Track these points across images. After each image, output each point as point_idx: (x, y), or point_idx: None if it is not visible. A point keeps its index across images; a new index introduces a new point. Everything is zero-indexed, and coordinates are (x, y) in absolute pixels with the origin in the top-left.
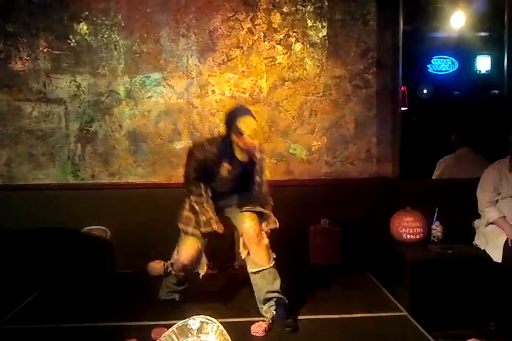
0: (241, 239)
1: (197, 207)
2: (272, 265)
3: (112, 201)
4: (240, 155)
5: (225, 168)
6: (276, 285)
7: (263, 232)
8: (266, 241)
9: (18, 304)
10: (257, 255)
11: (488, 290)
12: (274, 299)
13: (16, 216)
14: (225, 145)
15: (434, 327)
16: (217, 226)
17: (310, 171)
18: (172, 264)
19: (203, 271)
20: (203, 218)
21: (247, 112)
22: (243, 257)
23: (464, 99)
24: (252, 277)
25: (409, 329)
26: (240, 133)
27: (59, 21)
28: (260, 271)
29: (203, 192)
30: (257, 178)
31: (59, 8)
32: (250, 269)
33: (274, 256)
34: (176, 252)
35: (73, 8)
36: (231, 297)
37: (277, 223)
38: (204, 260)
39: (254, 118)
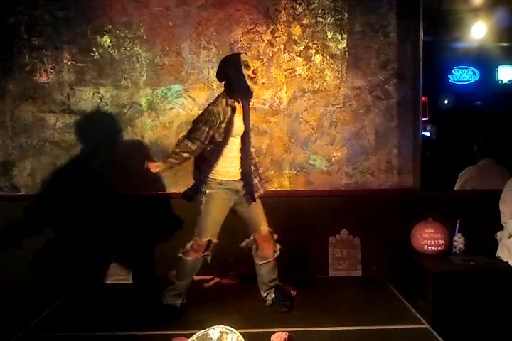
0: (252, 237)
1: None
2: (275, 257)
3: (134, 211)
4: (253, 86)
5: (236, 117)
6: (276, 273)
7: (272, 231)
8: (275, 236)
9: (39, 313)
10: (265, 251)
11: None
12: (274, 285)
13: (40, 225)
14: (230, 88)
15: (456, 340)
16: None
17: (330, 182)
18: (184, 251)
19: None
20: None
21: (243, 52)
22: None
23: (486, 110)
24: (258, 267)
25: None
26: (248, 66)
27: (82, 35)
28: (266, 263)
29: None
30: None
31: (82, 21)
32: (258, 261)
33: (278, 248)
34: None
35: (96, 21)
36: (251, 307)
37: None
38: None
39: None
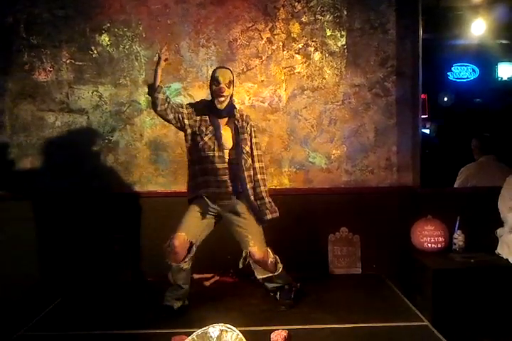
0: (243, 255)
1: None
2: (279, 272)
3: (133, 209)
4: (218, 105)
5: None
6: (285, 281)
7: (267, 250)
8: (271, 257)
9: (39, 312)
10: (263, 267)
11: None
12: (277, 287)
13: (39, 223)
14: (206, 101)
15: (456, 338)
16: None
17: (329, 180)
18: (167, 255)
19: (186, 264)
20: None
21: (225, 67)
22: (240, 266)
23: (486, 107)
24: (262, 281)
25: (430, 339)
26: (217, 82)
27: (81, 33)
28: (268, 277)
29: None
30: (246, 149)
31: (81, 20)
32: (258, 275)
33: (281, 265)
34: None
35: (95, 20)
36: (251, 305)
37: (277, 212)
38: (193, 251)
39: (231, 71)
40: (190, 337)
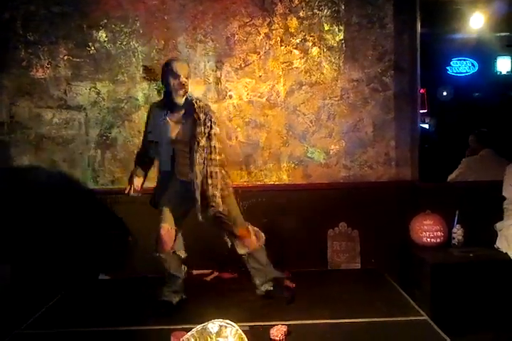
0: (225, 237)
1: None
2: (260, 247)
3: (132, 205)
4: (177, 98)
5: (170, 123)
6: (265, 261)
7: (248, 226)
8: (251, 229)
9: (37, 309)
10: (245, 243)
11: (511, 294)
12: (272, 278)
13: (37, 221)
14: (165, 95)
15: (454, 332)
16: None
17: (328, 175)
18: (155, 248)
19: (182, 252)
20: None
21: (180, 59)
22: (229, 246)
23: (485, 101)
24: (243, 258)
25: (429, 334)
26: (176, 75)
27: (78, 29)
28: (249, 252)
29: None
30: (202, 141)
31: (78, 16)
32: (240, 252)
33: (264, 237)
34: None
35: (92, 16)
36: (250, 301)
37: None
38: (181, 240)
39: (187, 63)
40: (189, 333)
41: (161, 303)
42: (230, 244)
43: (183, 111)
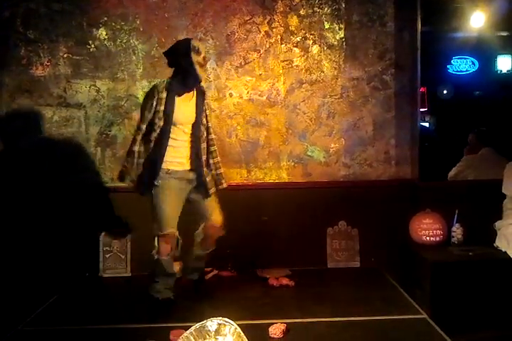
0: (202, 225)
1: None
2: (212, 249)
3: (131, 203)
4: (202, 74)
5: (180, 103)
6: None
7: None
8: (222, 232)
9: (38, 306)
10: (209, 241)
11: (510, 292)
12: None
13: (36, 218)
14: (177, 74)
15: (454, 331)
16: None
17: (328, 173)
18: (157, 251)
19: (177, 251)
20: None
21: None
22: (197, 241)
23: (485, 100)
24: (193, 254)
25: (428, 332)
26: (199, 52)
27: (78, 27)
28: (204, 254)
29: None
30: (204, 121)
31: (78, 14)
32: (197, 251)
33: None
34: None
35: (92, 14)
36: (249, 299)
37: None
38: (179, 241)
39: None
40: (188, 331)
41: (162, 302)
42: (197, 240)
43: (194, 91)
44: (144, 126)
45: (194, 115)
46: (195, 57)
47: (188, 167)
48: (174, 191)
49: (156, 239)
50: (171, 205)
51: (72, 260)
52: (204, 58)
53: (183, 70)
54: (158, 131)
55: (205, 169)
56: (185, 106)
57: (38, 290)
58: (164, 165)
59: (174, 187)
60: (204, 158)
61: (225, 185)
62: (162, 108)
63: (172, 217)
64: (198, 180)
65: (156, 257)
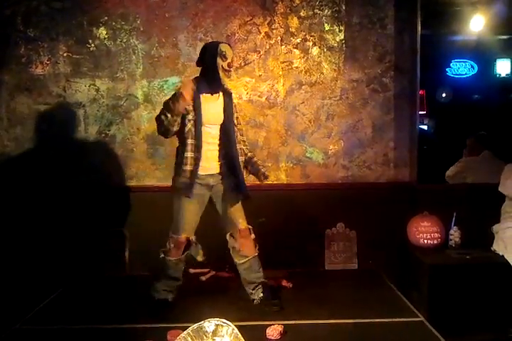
0: (228, 235)
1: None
2: (256, 254)
3: (130, 203)
4: (225, 79)
5: (205, 102)
6: (261, 272)
7: (251, 228)
8: (253, 236)
9: (36, 306)
10: (244, 248)
11: (507, 296)
12: (261, 283)
13: (34, 217)
14: (203, 75)
15: (451, 333)
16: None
17: (326, 175)
18: (166, 252)
19: (199, 255)
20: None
21: (225, 42)
22: (231, 249)
23: (484, 103)
24: (239, 267)
25: (425, 335)
26: (225, 57)
27: (79, 26)
28: (246, 261)
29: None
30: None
31: (79, 13)
32: (237, 260)
33: (257, 246)
34: (172, 231)
35: (93, 13)
36: (247, 300)
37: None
38: (198, 245)
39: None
40: (185, 332)
41: (158, 302)
42: (230, 247)
43: (220, 94)
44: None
45: (221, 117)
46: (220, 62)
47: (213, 171)
48: (196, 197)
49: (168, 240)
50: (190, 211)
51: (75, 259)
52: (229, 64)
53: (208, 72)
54: (187, 124)
55: (243, 170)
56: (211, 106)
57: (36, 289)
58: (189, 168)
59: (196, 193)
60: (242, 159)
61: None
62: (191, 110)
63: (189, 223)
64: (235, 181)
65: (161, 255)
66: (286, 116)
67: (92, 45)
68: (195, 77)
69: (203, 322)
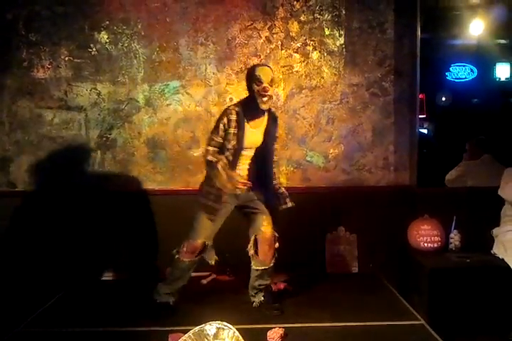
0: (252, 237)
1: (214, 160)
2: (272, 265)
3: (131, 207)
4: (262, 105)
5: (250, 129)
6: (269, 280)
7: (276, 236)
8: (277, 245)
9: (37, 309)
10: (265, 256)
11: (507, 299)
12: (263, 287)
13: (34, 221)
14: (247, 100)
15: (451, 336)
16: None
17: (327, 179)
18: (179, 252)
19: (212, 260)
20: (222, 176)
21: (264, 64)
22: (250, 254)
23: (483, 107)
24: (252, 272)
25: (426, 338)
26: (259, 81)
27: (80, 30)
28: (263, 269)
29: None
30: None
31: (80, 17)
32: (254, 266)
33: (276, 256)
34: (190, 235)
35: (94, 17)
36: (248, 303)
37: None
38: (213, 250)
39: (270, 68)
40: (186, 335)
41: (159, 305)
42: (251, 252)
43: (265, 117)
44: (216, 139)
45: (260, 140)
46: (255, 87)
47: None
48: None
49: (184, 242)
50: (205, 221)
51: (72, 263)
52: (265, 88)
53: (248, 98)
54: (226, 152)
55: (275, 186)
56: (252, 131)
57: (37, 292)
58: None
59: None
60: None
61: (289, 205)
62: (232, 130)
63: (208, 230)
64: (265, 196)
65: (176, 257)
66: (286, 119)
67: (94, 49)
68: (240, 102)
69: (204, 325)
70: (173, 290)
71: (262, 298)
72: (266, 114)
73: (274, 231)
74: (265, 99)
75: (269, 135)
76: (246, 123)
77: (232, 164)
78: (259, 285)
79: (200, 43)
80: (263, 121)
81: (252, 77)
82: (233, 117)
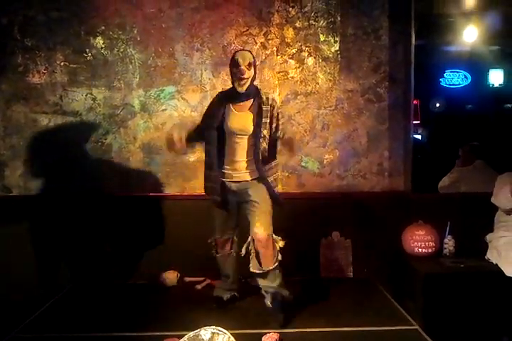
0: (249, 239)
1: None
2: (274, 267)
3: (126, 211)
4: (238, 87)
5: (233, 112)
6: (276, 283)
7: (273, 237)
8: (276, 246)
9: (33, 313)
10: (263, 258)
11: (501, 304)
12: (271, 293)
13: (29, 225)
14: (225, 91)
15: None
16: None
17: (322, 184)
18: (214, 248)
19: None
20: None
21: (245, 49)
22: (241, 254)
23: (477, 113)
24: (255, 275)
25: None
26: (237, 64)
27: (76, 36)
28: (262, 272)
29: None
30: (264, 133)
31: (76, 22)
32: (251, 268)
33: (280, 259)
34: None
35: (90, 23)
36: (242, 308)
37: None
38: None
39: (251, 52)
40: (181, 340)
41: (213, 299)
42: (242, 253)
43: (251, 101)
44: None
45: (250, 127)
46: (233, 70)
47: (240, 178)
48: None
49: (212, 239)
50: (220, 217)
51: (68, 267)
52: (240, 71)
53: (232, 81)
54: (209, 138)
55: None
56: (238, 114)
57: (34, 296)
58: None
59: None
60: (265, 168)
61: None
62: (216, 120)
63: (223, 226)
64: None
65: (214, 255)
66: (282, 125)
67: (89, 54)
68: (227, 89)
69: (199, 330)
70: (227, 287)
71: (270, 305)
72: (253, 100)
73: (268, 232)
74: (242, 82)
75: (257, 121)
76: (231, 106)
77: (229, 153)
78: (266, 287)
79: (195, 49)
80: (249, 107)
81: (231, 62)
82: (216, 98)
